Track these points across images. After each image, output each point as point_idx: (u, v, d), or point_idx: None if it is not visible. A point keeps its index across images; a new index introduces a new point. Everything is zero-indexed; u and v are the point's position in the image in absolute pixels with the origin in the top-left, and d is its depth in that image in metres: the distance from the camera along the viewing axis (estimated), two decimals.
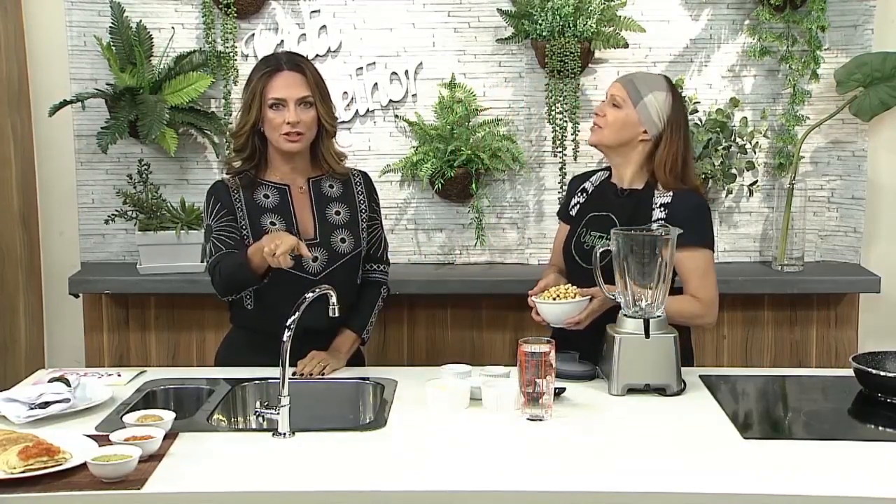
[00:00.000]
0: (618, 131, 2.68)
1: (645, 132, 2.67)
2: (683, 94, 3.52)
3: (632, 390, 2.47)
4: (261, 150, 2.75)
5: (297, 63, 2.74)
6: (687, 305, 2.61)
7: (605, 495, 1.94)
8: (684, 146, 2.68)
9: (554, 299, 2.57)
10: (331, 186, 2.83)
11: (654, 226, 2.61)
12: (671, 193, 2.66)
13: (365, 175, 2.91)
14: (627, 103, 2.66)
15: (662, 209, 2.65)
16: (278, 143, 2.71)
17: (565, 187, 3.24)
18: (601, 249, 2.55)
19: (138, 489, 1.92)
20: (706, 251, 2.64)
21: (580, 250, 2.75)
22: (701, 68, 3.58)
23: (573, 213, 2.84)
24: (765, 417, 2.48)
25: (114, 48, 3.50)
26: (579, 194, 2.85)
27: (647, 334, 2.46)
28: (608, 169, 2.83)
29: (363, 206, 2.84)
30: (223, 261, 2.67)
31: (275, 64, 2.72)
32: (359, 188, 2.86)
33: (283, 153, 2.74)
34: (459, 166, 3.51)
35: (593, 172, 2.89)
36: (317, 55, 3.58)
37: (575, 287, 2.60)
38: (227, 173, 2.82)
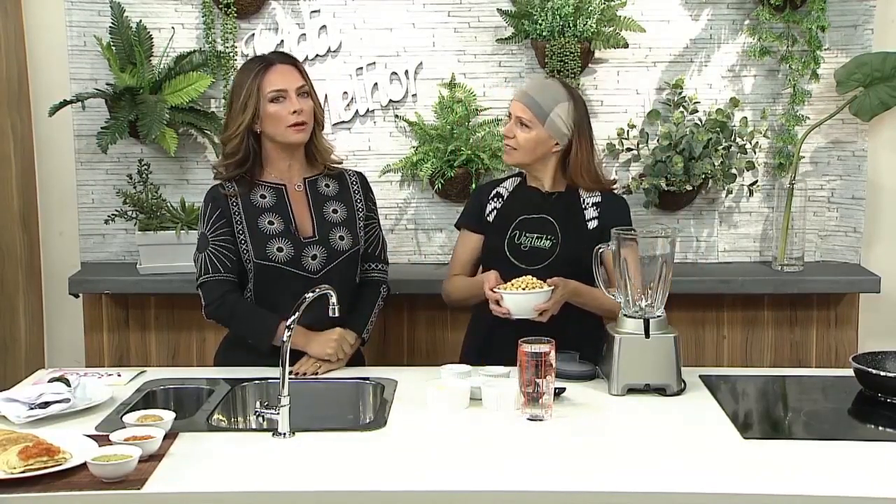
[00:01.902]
0: (531, 151, 2.78)
1: (557, 144, 2.77)
2: (683, 94, 3.53)
3: (632, 390, 2.47)
4: (255, 151, 2.75)
5: (287, 56, 2.82)
6: None
7: (605, 495, 1.94)
8: (591, 145, 2.82)
9: (523, 290, 2.59)
10: (327, 185, 2.83)
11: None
12: (599, 194, 2.82)
13: (360, 174, 2.92)
14: (535, 123, 2.75)
15: (595, 208, 2.80)
16: (285, 136, 2.70)
17: None
18: (602, 249, 2.58)
19: (138, 489, 1.92)
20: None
21: (516, 252, 2.82)
22: (701, 68, 3.58)
23: (490, 218, 2.88)
24: (765, 417, 2.48)
25: (114, 48, 3.50)
26: (494, 200, 2.91)
27: (647, 334, 2.46)
28: (520, 174, 2.92)
29: (360, 205, 2.85)
30: (239, 307, 2.71)
31: (266, 60, 2.75)
32: (354, 187, 2.87)
33: (283, 149, 2.74)
34: (459, 166, 3.50)
35: (503, 178, 2.97)
36: (317, 55, 3.58)
37: (535, 278, 2.64)
38: (216, 178, 2.80)
